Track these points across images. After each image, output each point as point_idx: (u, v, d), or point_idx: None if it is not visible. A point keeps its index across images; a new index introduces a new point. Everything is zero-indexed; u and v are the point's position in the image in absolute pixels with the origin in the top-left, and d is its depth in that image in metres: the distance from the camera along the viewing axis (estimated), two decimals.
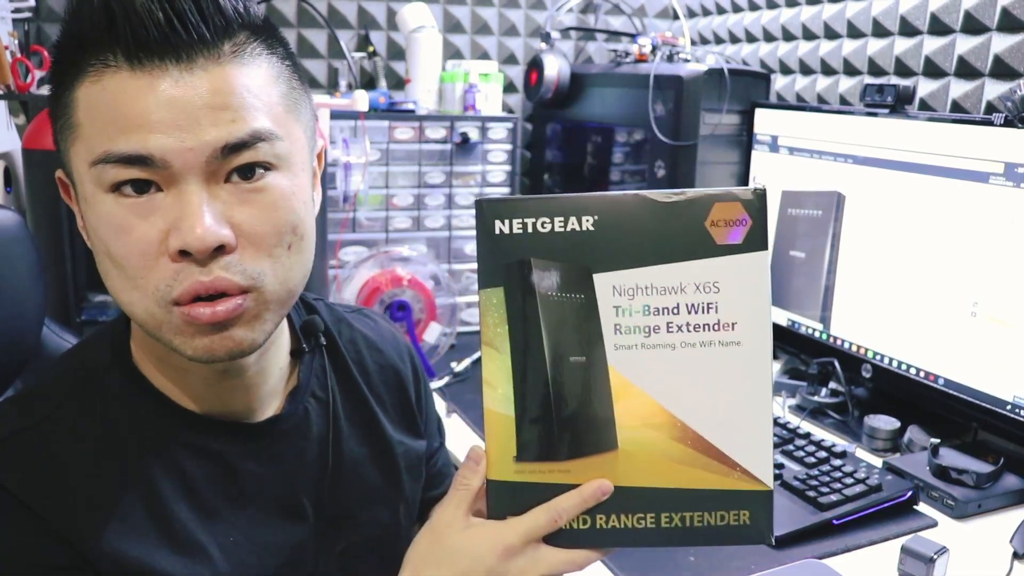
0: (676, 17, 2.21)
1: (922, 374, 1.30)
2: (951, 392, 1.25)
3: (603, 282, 0.67)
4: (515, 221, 0.66)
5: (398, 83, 2.02)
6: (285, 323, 0.78)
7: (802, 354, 1.60)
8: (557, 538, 0.67)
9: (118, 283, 0.63)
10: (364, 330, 0.88)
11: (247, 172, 0.62)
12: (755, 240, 0.65)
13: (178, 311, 0.61)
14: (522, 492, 0.68)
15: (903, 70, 1.54)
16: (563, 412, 0.68)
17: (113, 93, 0.59)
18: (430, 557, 0.68)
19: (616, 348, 0.67)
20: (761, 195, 0.65)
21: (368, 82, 1.98)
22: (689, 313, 0.66)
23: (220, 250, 0.61)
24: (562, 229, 0.66)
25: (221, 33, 0.60)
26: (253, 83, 0.62)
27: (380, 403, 0.86)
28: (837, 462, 1.18)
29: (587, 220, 0.66)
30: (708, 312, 0.66)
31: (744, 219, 0.66)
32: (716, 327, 0.67)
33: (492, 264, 0.67)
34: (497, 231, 0.67)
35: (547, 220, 0.66)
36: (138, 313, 0.63)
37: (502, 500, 0.68)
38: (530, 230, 0.66)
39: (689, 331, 0.67)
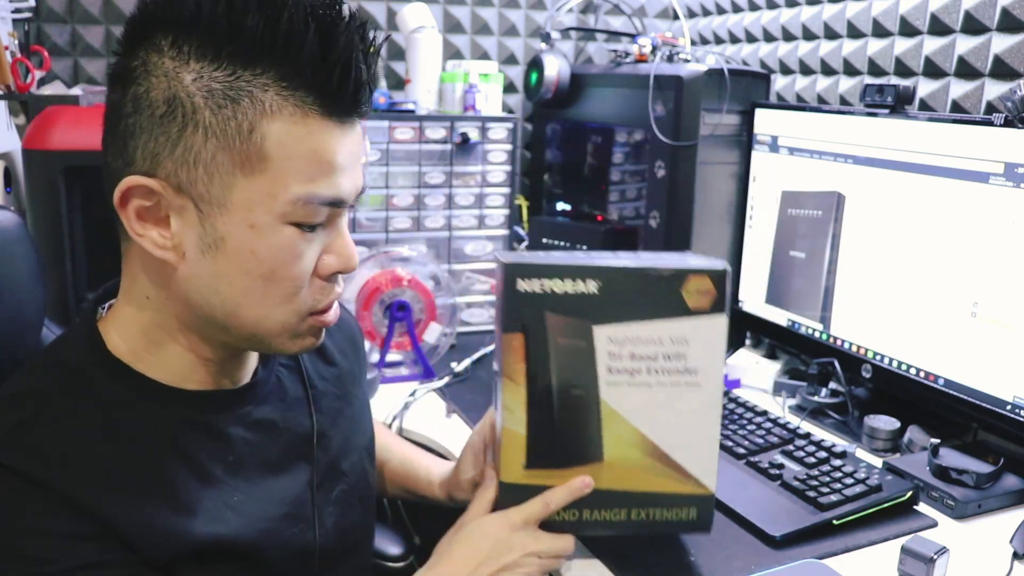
0: (676, 17, 2.21)
1: (922, 374, 1.30)
2: (951, 392, 1.25)
3: (600, 333, 0.85)
4: (534, 281, 0.83)
5: (398, 83, 2.02)
6: None
7: (802, 354, 1.60)
8: (551, 526, 0.89)
9: (264, 300, 0.71)
10: None
11: None
12: (717, 306, 0.85)
13: (312, 319, 0.75)
14: (527, 492, 0.88)
15: (903, 70, 1.54)
16: (564, 432, 0.87)
17: (316, 139, 0.68)
18: (454, 540, 0.87)
19: (608, 385, 0.86)
20: (722, 274, 0.85)
21: None
22: (665, 360, 0.86)
23: None
24: (571, 291, 0.84)
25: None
26: None
27: (345, 358, 0.97)
28: (837, 462, 1.18)
29: (592, 284, 0.84)
30: (679, 360, 0.86)
31: (710, 290, 0.85)
32: (683, 372, 0.86)
33: (514, 315, 0.84)
34: (520, 289, 0.83)
35: (560, 282, 0.83)
36: (273, 323, 0.73)
37: (510, 497, 0.88)
38: (546, 289, 0.83)
39: (664, 374, 0.86)
